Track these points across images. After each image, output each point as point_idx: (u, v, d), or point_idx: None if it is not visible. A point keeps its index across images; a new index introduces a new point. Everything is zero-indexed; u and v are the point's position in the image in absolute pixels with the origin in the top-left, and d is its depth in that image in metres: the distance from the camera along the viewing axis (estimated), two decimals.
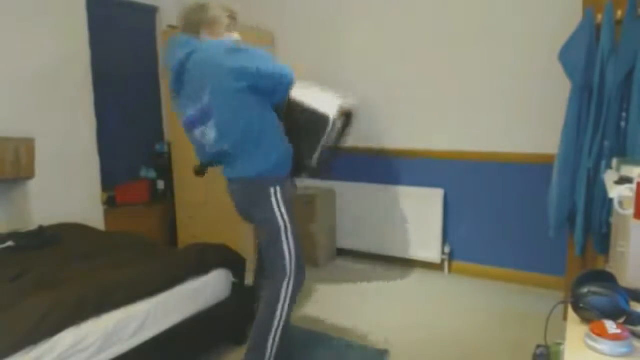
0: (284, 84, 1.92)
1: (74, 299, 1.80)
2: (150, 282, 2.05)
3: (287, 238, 2.00)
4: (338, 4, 3.76)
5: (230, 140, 1.91)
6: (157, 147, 4.28)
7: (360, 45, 3.70)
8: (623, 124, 2.34)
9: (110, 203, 3.79)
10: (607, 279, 1.23)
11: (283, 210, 1.99)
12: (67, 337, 1.69)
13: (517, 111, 3.17)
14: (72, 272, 2.13)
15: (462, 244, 3.50)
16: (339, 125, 2.07)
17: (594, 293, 1.15)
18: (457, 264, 3.52)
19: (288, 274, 2.00)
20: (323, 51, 3.86)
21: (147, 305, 1.98)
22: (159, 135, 4.35)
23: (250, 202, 2.03)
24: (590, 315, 1.13)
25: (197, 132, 1.99)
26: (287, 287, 2.00)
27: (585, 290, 1.16)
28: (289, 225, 2.00)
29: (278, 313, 1.98)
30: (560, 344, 1.40)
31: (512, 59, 3.15)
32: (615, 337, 1.01)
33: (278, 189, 1.97)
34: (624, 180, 1.51)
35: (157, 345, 2.00)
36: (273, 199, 1.97)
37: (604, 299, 1.13)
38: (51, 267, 2.20)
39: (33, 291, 1.88)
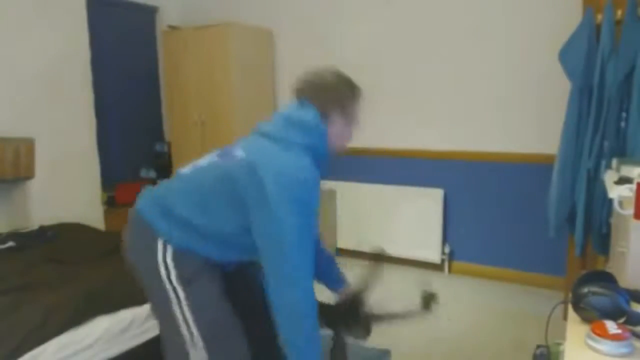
0: None
1: (75, 301, 1.80)
2: None
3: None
4: (337, 2, 3.76)
5: None
6: (157, 147, 4.28)
7: (359, 44, 3.70)
8: (623, 124, 2.34)
9: (110, 203, 3.79)
10: (607, 279, 1.23)
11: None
12: (65, 339, 1.69)
13: (517, 111, 3.18)
14: (73, 273, 2.13)
15: (462, 244, 3.50)
16: None
17: (594, 293, 1.15)
18: (457, 264, 3.52)
19: None
20: (322, 50, 3.86)
21: (148, 308, 1.98)
22: (159, 135, 4.35)
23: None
24: (591, 315, 1.13)
25: None
26: None
27: (585, 290, 1.16)
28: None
29: None
30: (560, 344, 1.40)
31: (512, 59, 3.15)
32: (616, 337, 1.01)
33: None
34: (623, 181, 1.51)
35: (156, 347, 2.00)
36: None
37: (604, 299, 1.13)
38: (52, 268, 2.20)
39: (33, 293, 1.88)
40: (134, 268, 1.46)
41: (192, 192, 1.41)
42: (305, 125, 1.39)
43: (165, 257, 1.37)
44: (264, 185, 1.28)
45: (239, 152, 1.39)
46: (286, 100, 4.26)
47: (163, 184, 1.52)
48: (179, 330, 1.37)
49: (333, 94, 1.46)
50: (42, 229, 2.87)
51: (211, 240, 1.39)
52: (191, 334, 1.37)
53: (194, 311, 1.36)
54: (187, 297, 1.36)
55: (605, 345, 1.01)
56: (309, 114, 1.41)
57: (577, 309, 1.18)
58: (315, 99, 1.43)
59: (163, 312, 1.41)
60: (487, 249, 3.41)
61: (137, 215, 1.43)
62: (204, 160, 1.47)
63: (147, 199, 1.47)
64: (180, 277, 1.36)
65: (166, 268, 1.37)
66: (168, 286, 1.37)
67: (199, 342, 1.37)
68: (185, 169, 1.48)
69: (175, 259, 1.37)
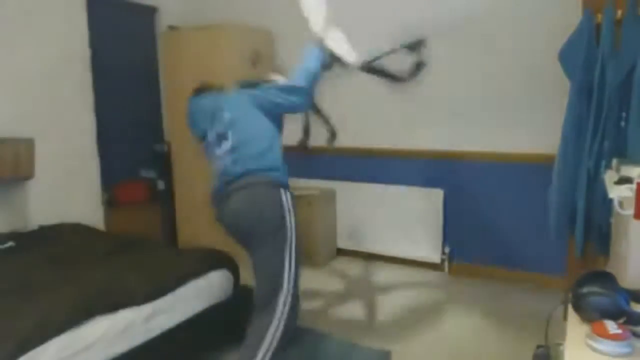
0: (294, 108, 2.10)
1: (75, 301, 1.80)
2: (154, 284, 2.05)
3: (290, 254, 1.93)
4: (337, 3, 3.75)
5: (244, 144, 1.97)
6: (157, 147, 4.28)
7: (359, 45, 3.69)
8: (623, 124, 2.34)
9: (110, 203, 3.79)
10: (607, 279, 1.23)
11: (292, 219, 1.94)
12: (65, 339, 1.69)
13: (517, 111, 3.18)
14: (71, 273, 2.13)
15: (462, 244, 3.50)
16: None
17: (594, 293, 1.15)
18: (457, 264, 3.52)
19: (280, 307, 1.89)
20: None
21: (151, 307, 1.98)
22: (159, 135, 4.35)
23: (258, 209, 1.92)
24: (591, 315, 1.13)
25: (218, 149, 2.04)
26: (277, 326, 1.89)
27: (585, 290, 1.17)
28: (294, 238, 1.94)
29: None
30: (560, 344, 1.40)
31: (512, 59, 3.15)
32: (616, 337, 1.01)
33: (288, 194, 1.96)
34: (623, 181, 1.52)
35: (161, 344, 2.01)
36: (285, 204, 1.93)
37: (604, 299, 1.13)
38: (52, 268, 2.20)
39: (33, 293, 1.88)
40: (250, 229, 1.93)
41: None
42: None
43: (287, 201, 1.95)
44: None
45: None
46: None
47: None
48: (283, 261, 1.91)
49: None
50: (42, 229, 2.87)
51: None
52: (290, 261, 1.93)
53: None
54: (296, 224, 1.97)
55: (605, 345, 1.01)
56: None
57: (577, 309, 1.18)
58: None
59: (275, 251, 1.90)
60: (487, 249, 3.41)
61: (243, 180, 1.91)
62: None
63: (232, 168, 1.96)
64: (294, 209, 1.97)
65: (290, 213, 1.94)
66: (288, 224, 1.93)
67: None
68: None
69: (291, 198, 1.97)
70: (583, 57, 2.37)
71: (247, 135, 2.00)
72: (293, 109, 2.08)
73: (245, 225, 1.96)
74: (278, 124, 2.08)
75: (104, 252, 2.44)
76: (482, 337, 2.59)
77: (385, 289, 3.29)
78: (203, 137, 2.14)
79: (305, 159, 4.08)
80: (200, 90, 2.26)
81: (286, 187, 1.98)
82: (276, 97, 2.01)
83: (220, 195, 2.02)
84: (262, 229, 1.92)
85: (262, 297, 1.93)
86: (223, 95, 2.15)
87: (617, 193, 1.46)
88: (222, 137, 2.02)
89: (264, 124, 2.01)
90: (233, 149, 1.98)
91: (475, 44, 3.26)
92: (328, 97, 3.92)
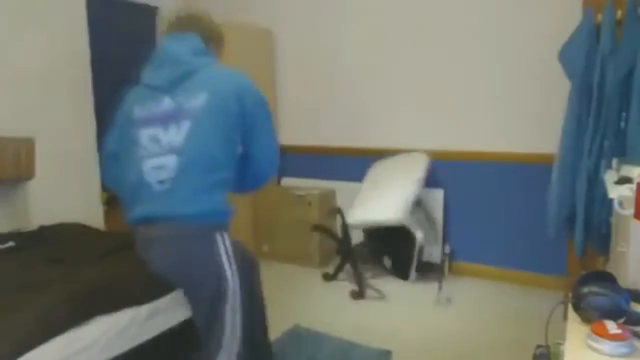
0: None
1: (75, 300, 1.80)
2: (154, 284, 2.05)
3: (232, 307, 1.56)
4: (337, 2, 3.76)
5: (188, 161, 1.47)
6: None
7: (358, 44, 3.70)
8: (623, 124, 2.34)
9: (110, 203, 3.78)
10: (607, 279, 1.23)
11: (234, 270, 1.56)
12: (65, 339, 1.69)
13: (517, 111, 3.18)
14: (72, 272, 2.13)
15: (462, 244, 3.50)
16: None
17: (594, 293, 1.15)
18: (457, 264, 3.52)
19: None
20: (322, 50, 3.86)
21: (151, 307, 1.99)
22: None
23: (184, 253, 1.53)
24: (591, 315, 1.13)
25: (151, 132, 1.57)
26: None
27: (585, 290, 1.17)
28: (238, 289, 1.56)
29: None
30: (560, 344, 1.40)
31: (512, 58, 3.15)
32: (616, 337, 1.02)
33: (226, 237, 1.56)
34: (624, 180, 1.52)
35: (161, 344, 2.01)
36: (222, 256, 1.54)
37: (604, 299, 1.13)
38: (52, 268, 2.20)
39: (33, 293, 1.88)
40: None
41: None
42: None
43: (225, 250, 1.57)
44: None
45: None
46: (286, 100, 4.26)
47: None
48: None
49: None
50: (42, 229, 2.87)
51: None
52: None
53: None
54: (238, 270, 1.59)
55: (605, 345, 1.01)
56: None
57: (577, 309, 1.18)
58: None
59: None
60: (487, 249, 3.41)
61: (169, 224, 1.51)
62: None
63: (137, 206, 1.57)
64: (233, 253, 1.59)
65: (228, 258, 1.56)
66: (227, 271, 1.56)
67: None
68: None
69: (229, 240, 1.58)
70: (583, 57, 2.38)
71: (208, 138, 1.49)
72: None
73: (175, 284, 1.80)
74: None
75: (104, 252, 2.44)
76: (482, 337, 2.59)
77: (385, 289, 3.29)
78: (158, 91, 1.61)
79: (305, 159, 4.08)
80: (183, 23, 1.73)
81: (224, 228, 1.57)
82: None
83: (143, 236, 1.60)
84: (195, 289, 1.62)
85: (206, 348, 1.64)
86: (212, 66, 1.63)
87: (617, 193, 1.46)
88: (173, 120, 1.49)
89: (232, 140, 1.55)
90: (179, 153, 1.47)
91: (476, 44, 3.26)
92: (327, 98, 3.94)
